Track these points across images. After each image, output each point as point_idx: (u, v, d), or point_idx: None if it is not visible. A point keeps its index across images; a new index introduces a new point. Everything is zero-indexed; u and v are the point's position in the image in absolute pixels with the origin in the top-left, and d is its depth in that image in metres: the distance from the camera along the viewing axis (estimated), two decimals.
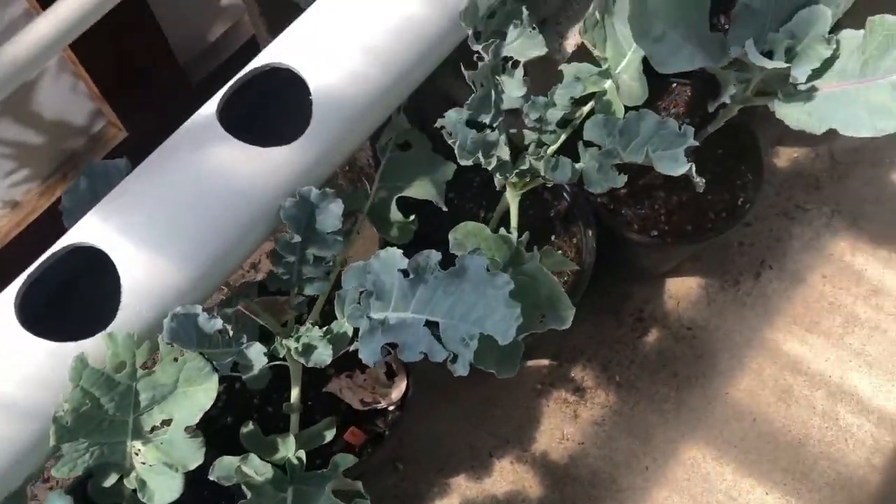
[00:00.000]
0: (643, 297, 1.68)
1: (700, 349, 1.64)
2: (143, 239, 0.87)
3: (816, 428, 1.58)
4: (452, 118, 1.04)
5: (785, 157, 1.79)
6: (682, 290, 1.69)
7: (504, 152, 1.06)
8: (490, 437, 1.57)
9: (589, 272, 1.38)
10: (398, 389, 1.30)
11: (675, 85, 1.50)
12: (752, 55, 1.05)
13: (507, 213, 1.21)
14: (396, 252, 0.94)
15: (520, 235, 1.13)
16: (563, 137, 1.18)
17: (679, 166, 1.03)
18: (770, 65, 1.04)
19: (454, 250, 1.04)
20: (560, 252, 1.43)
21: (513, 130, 1.17)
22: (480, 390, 1.61)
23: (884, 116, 1.04)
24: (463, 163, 1.01)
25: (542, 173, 1.05)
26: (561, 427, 1.58)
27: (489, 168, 1.03)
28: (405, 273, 0.91)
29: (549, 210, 1.45)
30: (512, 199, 1.20)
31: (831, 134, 1.08)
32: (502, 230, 1.13)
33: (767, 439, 1.57)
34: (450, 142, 1.01)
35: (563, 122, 1.18)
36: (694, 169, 1.03)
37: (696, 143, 1.06)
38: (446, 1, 1.01)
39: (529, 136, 1.17)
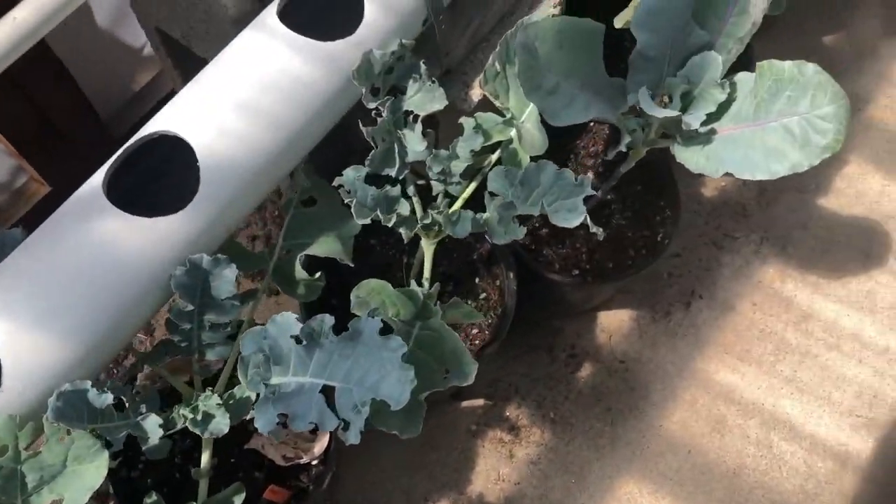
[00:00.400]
0: (575, 331, 1.68)
1: (633, 382, 1.65)
2: (24, 316, 0.86)
3: (751, 457, 1.58)
4: (350, 176, 1.03)
5: (712, 185, 1.81)
6: (613, 322, 1.69)
7: (405, 208, 1.06)
8: (425, 482, 1.56)
9: (511, 315, 1.38)
10: (321, 443, 1.29)
11: (593, 123, 1.52)
12: (644, 104, 1.06)
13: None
14: (291, 317, 0.93)
15: (433, 284, 1.13)
16: (472, 186, 1.19)
17: (574, 218, 1.03)
18: (661, 114, 1.05)
19: (355, 309, 1.03)
20: (484, 295, 1.43)
21: (420, 182, 1.17)
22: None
23: (777, 159, 1.06)
24: (360, 221, 1.01)
25: (444, 228, 1.05)
26: (497, 468, 1.58)
27: (389, 224, 1.03)
28: (298, 339, 0.91)
29: (472, 252, 1.45)
30: (427, 248, 1.20)
31: (730, 176, 1.09)
32: (413, 284, 1.13)
33: (702, 470, 1.57)
34: (347, 200, 1.01)
35: (473, 171, 1.19)
36: (589, 219, 1.03)
37: (594, 193, 1.07)
38: (337, 61, 1.01)
39: (437, 186, 1.17)
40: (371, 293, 1.05)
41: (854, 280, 1.73)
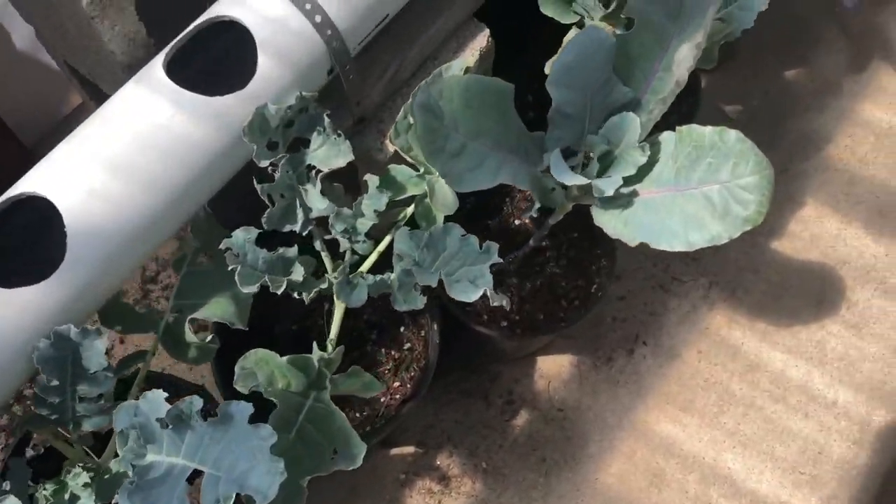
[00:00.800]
0: (513, 376, 1.62)
1: (570, 431, 1.59)
2: None
3: None
4: (240, 238, 0.97)
5: None
6: (553, 368, 1.63)
7: (298, 272, 0.99)
8: None
9: (433, 369, 1.32)
10: None
11: None
12: (555, 169, 1.00)
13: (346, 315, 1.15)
14: (160, 397, 0.87)
15: (338, 346, 1.07)
16: (386, 241, 1.12)
17: (474, 292, 0.97)
18: (571, 180, 0.99)
19: (238, 384, 0.97)
20: (408, 345, 1.37)
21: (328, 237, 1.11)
22: (344, 480, 1.54)
23: (697, 228, 0.99)
24: (245, 290, 0.94)
25: (337, 297, 0.99)
26: None
27: (278, 292, 0.97)
28: (164, 423, 0.85)
29: None
30: (338, 306, 1.13)
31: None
32: (315, 348, 1.07)
33: None
34: (231, 266, 0.94)
35: (385, 226, 1.12)
36: (490, 292, 0.97)
37: (500, 261, 1.00)
38: (225, 116, 0.94)
39: (344, 243, 1.10)
40: (259, 363, 0.98)
41: (805, 329, 1.67)
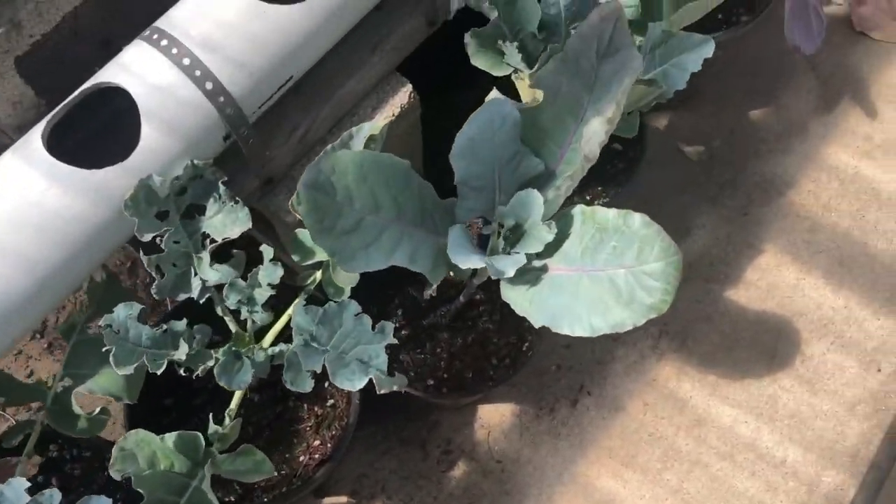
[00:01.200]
0: (452, 425, 1.58)
1: (508, 484, 1.55)
2: None
3: None
4: (121, 315, 0.94)
5: None
6: (494, 417, 1.59)
7: (183, 349, 0.96)
8: None
9: (353, 430, 1.28)
10: None
11: None
12: (452, 247, 0.95)
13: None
14: (21, 486, 0.84)
15: (236, 418, 1.04)
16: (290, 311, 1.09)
17: (359, 380, 0.93)
18: (464, 263, 0.94)
19: (116, 466, 0.93)
20: (332, 401, 1.33)
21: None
22: None
23: (601, 313, 0.95)
24: (121, 372, 0.91)
25: (218, 379, 0.95)
26: None
27: (158, 372, 0.93)
28: None
29: None
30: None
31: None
32: (210, 421, 1.03)
33: None
34: (106, 347, 0.91)
35: (291, 295, 1.09)
36: (376, 379, 0.93)
37: (395, 342, 0.96)
38: (105, 190, 0.91)
39: (245, 313, 1.07)
40: (139, 445, 0.95)
41: (756, 383, 1.62)
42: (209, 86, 0.94)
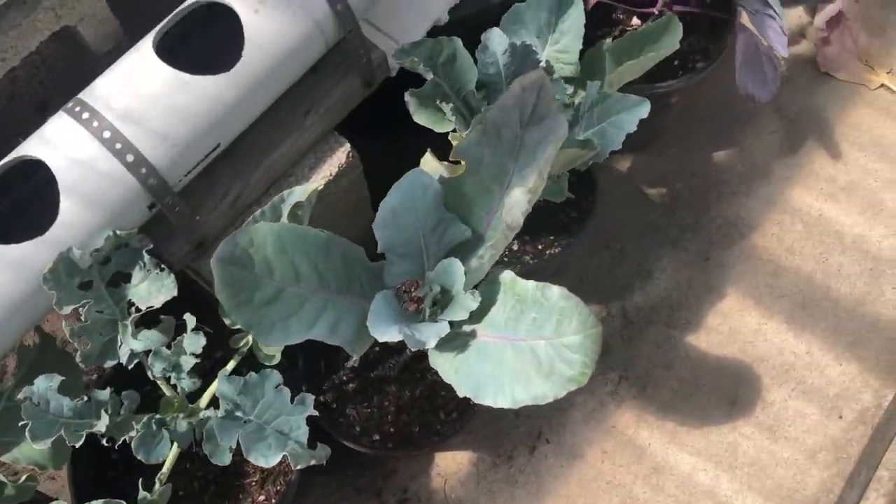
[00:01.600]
0: (410, 472, 1.58)
1: None
2: None
3: None
4: (41, 387, 0.94)
5: None
6: (451, 465, 1.58)
7: (104, 422, 0.96)
8: None
9: (296, 484, 1.28)
10: None
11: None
12: (371, 317, 0.95)
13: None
14: None
15: (167, 482, 1.04)
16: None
17: (272, 457, 0.92)
18: (382, 336, 0.94)
19: None
20: None
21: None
22: None
23: (523, 384, 0.94)
24: (38, 447, 0.91)
25: (135, 452, 0.95)
26: None
27: (76, 445, 0.93)
28: None
29: None
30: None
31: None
32: (143, 489, 1.03)
33: None
34: (23, 422, 0.91)
35: (224, 359, 1.09)
36: (291, 454, 0.93)
37: (316, 414, 0.96)
38: (24, 264, 0.91)
39: (174, 378, 1.07)
40: None
41: (716, 430, 1.60)
42: (130, 158, 0.94)
